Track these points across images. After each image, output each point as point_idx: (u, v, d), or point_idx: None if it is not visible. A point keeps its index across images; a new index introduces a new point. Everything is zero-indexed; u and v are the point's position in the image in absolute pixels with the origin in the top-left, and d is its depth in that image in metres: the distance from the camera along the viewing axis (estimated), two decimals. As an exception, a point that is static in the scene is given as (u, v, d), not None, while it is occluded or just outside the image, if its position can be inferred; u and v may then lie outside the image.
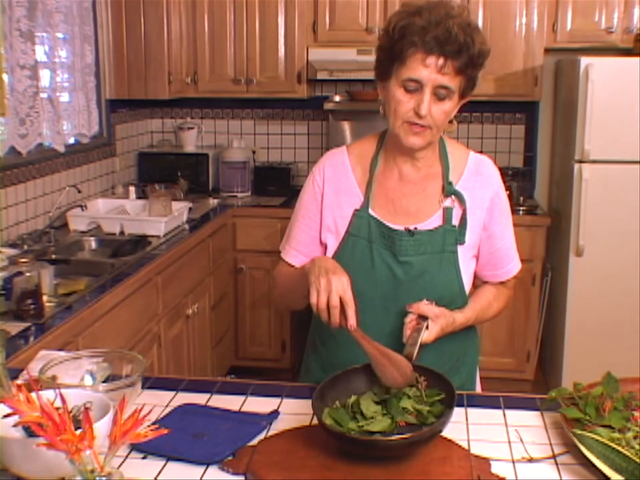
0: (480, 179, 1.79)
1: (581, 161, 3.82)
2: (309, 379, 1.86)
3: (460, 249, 1.77)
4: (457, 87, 1.64)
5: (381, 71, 1.70)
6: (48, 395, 1.21)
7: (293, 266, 1.88)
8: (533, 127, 4.63)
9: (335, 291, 1.53)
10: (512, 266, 1.88)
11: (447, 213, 1.76)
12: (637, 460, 1.24)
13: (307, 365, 1.96)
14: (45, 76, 3.38)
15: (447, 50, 1.59)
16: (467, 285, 1.82)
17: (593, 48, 4.10)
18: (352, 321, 1.52)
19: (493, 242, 1.82)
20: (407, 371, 1.48)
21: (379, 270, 1.75)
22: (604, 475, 1.26)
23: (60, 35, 3.50)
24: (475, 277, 1.87)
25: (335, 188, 1.82)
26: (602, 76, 3.72)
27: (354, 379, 1.51)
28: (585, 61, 3.75)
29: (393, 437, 1.33)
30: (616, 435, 1.35)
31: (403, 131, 1.67)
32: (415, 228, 1.75)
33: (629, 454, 1.26)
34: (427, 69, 1.60)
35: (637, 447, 1.31)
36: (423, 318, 1.65)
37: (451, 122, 1.73)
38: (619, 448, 1.27)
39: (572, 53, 4.08)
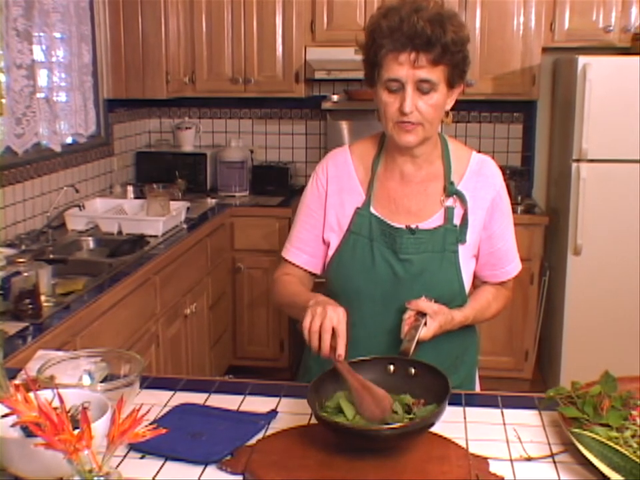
0: (482, 179, 1.80)
1: (578, 160, 3.82)
2: (307, 378, 1.85)
3: (460, 248, 1.77)
4: (439, 78, 1.65)
5: (368, 78, 1.74)
6: (46, 394, 1.20)
7: (296, 265, 1.88)
8: (530, 126, 4.63)
9: (329, 318, 1.51)
10: (512, 267, 1.88)
11: (449, 212, 1.77)
12: (635, 458, 1.24)
13: (306, 364, 1.96)
14: (41, 75, 3.38)
15: (416, 44, 1.60)
16: (467, 285, 1.82)
17: (591, 47, 4.10)
18: (340, 351, 1.49)
19: (492, 242, 1.82)
20: (386, 405, 1.43)
21: (379, 267, 1.76)
22: (602, 473, 1.26)
23: (57, 35, 3.49)
24: (475, 277, 1.88)
25: (337, 187, 1.83)
26: (599, 75, 3.72)
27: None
28: (582, 60, 3.75)
29: (386, 426, 1.33)
30: (614, 434, 1.35)
31: (395, 131, 1.69)
32: (417, 227, 1.76)
33: (626, 453, 1.26)
34: (402, 67, 1.62)
35: (635, 445, 1.31)
36: (421, 315, 1.65)
37: (447, 114, 1.73)
38: (617, 447, 1.28)
39: (569, 52, 4.07)
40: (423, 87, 1.63)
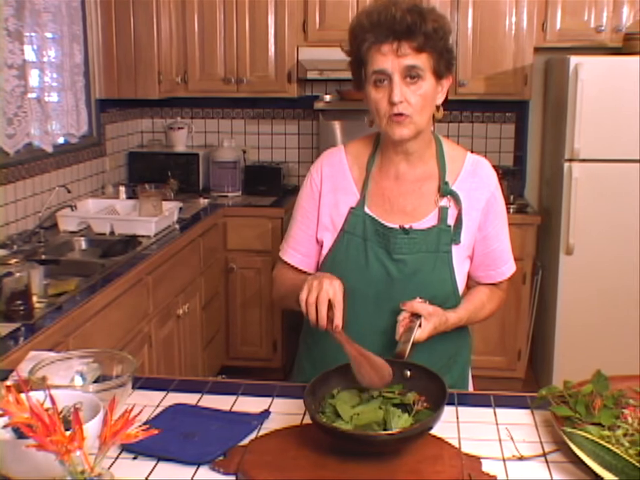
0: (477, 180, 1.80)
1: (570, 160, 3.83)
2: (301, 378, 1.86)
3: (454, 249, 1.77)
4: (425, 66, 1.66)
5: (356, 81, 1.76)
6: (38, 395, 1.20)
7: (291, 265, 1.89)
8: (523, 126, 4.64)
9: (325, 290, 1.54)
10: (506, 268, 1.89)
11: (443, 212, 1.77)
12: (627, 457, 1.25)
13: (300, 364, 1.96)
14: (33, 76, 3.37)
15: (397, 32, 1.62)
16: (461, 285, 1.83)
17: (583, 47, 4.11)
18: (337, 321, 1.53)
19: (487, 243, 1.83)
20: (384, 373, 1.47)
21: (373, 267, 1.76)
22: (594, 472, 1.27)
23: (49, 35, 3.48)
24: (469, 277, 1.88)
25: (332, 186, 1.84)
26: (591, 75, 3.73)
27: (345, 375, 1.50)
28: (574, 60, 3.76)
29: (384, 432, 1.33)
30: (606, 433, 1.35)
31: (388, 126, 1.69)
32: (410, 227, 1.76)
33: (618, 451, 1.26)
34: (386, 57, 1.64)
35: (627, 444, 1.31)
36: (416, 316, 1.65)
37: (437, 109, 1.73)
38: (609, 445, 1.28)
39: (561, 52, 4.08)
40: (410, 74, 1.65)
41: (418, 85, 1.66)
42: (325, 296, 1.54)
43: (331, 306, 1.55)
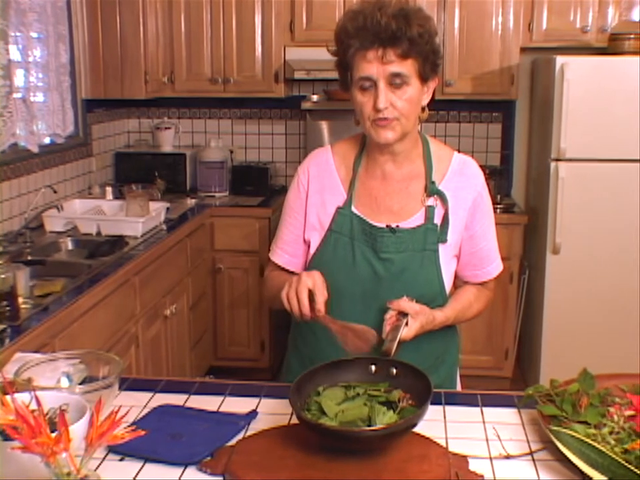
0: (463, 180, 1.81)
1: (557, 160, 3.85)
2: (290, 378, 1.85)
3: (441, 248, 1.78)
4: (409, 72, 1.66)
5: (342, 83, 1.76)
6: (23, 397, 1.19)
7: (279, 266, 1.91)
8: (509, 125, 4.66)
9: (303, 282, 1.61)
10: (493, 267, 1.89)
11: (429, 212, 1.77)
12: (612, 455, 1.25)
13: (288, 364, 1.97)
14: (18, 75, 3.35)
15: (382, 39, 1.62)
16: (448, 284, 1.83)
17: (569, 47, 4.13)
18: (319, 305, 1.60)
19: (474, 242, 1.83)
20: (368, 336, 1.59)
21: (360, 267, 1.76)
22: (580, 470, 1.27)
23: (34, 34, 3.46)
24: (456, 277, 1.89)
25: (319, 186, 1.84)
26: (577, 75, 3.75)
27: (331, 373, 1.51)
28: (560, 60, 3.78)
29: (368, 428, 1.34)
30: (592, 431, 1.36)
31: (373, 129, 1.70)
32: (397, 226, 1.76)
33: (604, 449, 1.27)
34: (371, 64, 1.64)
35: (613, 442, 1.32)
36: (403, 315, 1.66)
37: (423, 110, 1.74)
38: (595, 444, 1.29)
39: (548, 52, 4.10)
40: (395, 81, 1.65)
41: (403, 90, 1.66)
42: (304, 286, 1.60)
43: (312, 297, 1.60)
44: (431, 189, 1.78)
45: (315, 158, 1.89)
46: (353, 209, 1.80)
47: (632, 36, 3.88)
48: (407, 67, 1.65)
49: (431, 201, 1.78)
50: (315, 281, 1.61)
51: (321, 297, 1.60)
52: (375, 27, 1.62)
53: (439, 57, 1.73)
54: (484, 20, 4.18)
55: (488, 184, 1.88)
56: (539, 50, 4.33)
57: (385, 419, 1.38)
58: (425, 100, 1.74)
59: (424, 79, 1.70)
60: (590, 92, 3.78)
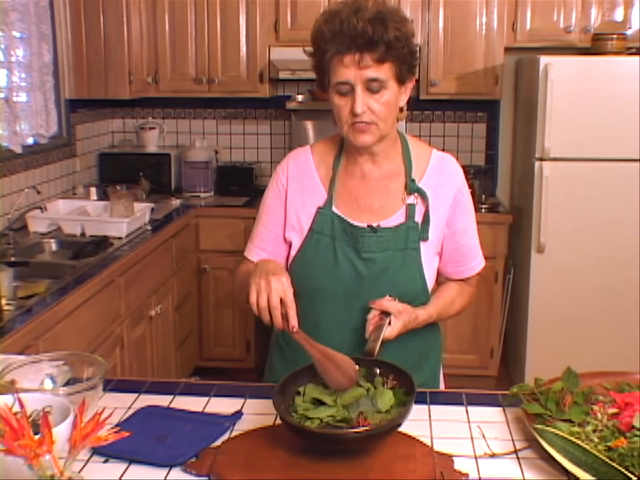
0: (443, 177, 1.81)
1: (541, 159, 3.87)
2: (273, 378, 1.86)
3: (423, 245, 1.78)
4: (387, 76, 1.65)
5: (320, 85, 1.76)
6: (6, 399, 1.19)
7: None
8: (494, 125, 4.68)
9: (274, 291, 1.50)
10: (475, 263, 1.90)
11: (410, 210, 1.77)
12: (596, 453, 1.26)
13: (271, 364, 1.96)
14: (1, 75, 3.33)
15: (359, 44, 1.61)
16: (430, 282, 1.83)
17: (552, 47, 4.15)
18: (293, 322, 1.50)
19: (456, 239, 1.84)
20: (350, 372, 1.47)
21: (341, 267, 1.76)
22: (564, 468, 1.28)
23: (16, 34, 3.44)
24: (439, 274, 1.89)
25: (299, 186, 1.83)
26: (561, 75, 3.77)
27: (314, 373, 1.50)
28: (544, 60, 3.80)
29: (352, 430, 1.33)
30: (576, 429, 1.37)
31: (350, 133, 1.70)
32: (378, 225, 1.76)
33: (588, 447, 1.28)
34: (348, 69, 1.63)
35: (596, 440, 1.33)
36: (385, 314, 1.66)
37: (401, 110, 1.74)
38: (579, 442, 1.29)
39: (532, 52, 4.12)
40: (372, 86, 1.64)
41: (381, 94, 1.65)
42: (276, 297, 1.50)
43: (283, 305, 1.51)
44: (411, 187, 1.78)
45: (294, 158, 1.89)
46: (334, 208, 1.79)
47: (615, 36, 3.91)
48: (384, 71, 1.64)
49: (411, 199, 1.78)
50: (285, 289, 1.51)
51: (293, 310, 1.50)
52: (351, 31, 1.60)
53: (415, 58, 1.71)
54: (468, 20, 4.19)
55: (473, 184, 1.89)
56: (523, 50, 4.34)
57: (385, 400, 1.42)
58: (403, 101, 1.74)
59: (401, 81, 1.69)
60: (574, 92, 3.80)
